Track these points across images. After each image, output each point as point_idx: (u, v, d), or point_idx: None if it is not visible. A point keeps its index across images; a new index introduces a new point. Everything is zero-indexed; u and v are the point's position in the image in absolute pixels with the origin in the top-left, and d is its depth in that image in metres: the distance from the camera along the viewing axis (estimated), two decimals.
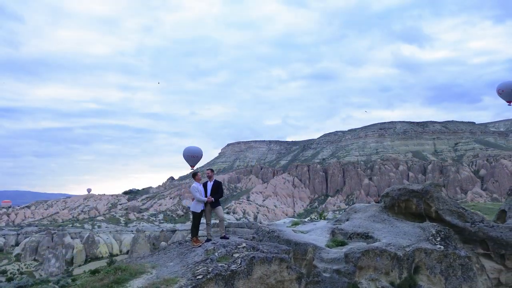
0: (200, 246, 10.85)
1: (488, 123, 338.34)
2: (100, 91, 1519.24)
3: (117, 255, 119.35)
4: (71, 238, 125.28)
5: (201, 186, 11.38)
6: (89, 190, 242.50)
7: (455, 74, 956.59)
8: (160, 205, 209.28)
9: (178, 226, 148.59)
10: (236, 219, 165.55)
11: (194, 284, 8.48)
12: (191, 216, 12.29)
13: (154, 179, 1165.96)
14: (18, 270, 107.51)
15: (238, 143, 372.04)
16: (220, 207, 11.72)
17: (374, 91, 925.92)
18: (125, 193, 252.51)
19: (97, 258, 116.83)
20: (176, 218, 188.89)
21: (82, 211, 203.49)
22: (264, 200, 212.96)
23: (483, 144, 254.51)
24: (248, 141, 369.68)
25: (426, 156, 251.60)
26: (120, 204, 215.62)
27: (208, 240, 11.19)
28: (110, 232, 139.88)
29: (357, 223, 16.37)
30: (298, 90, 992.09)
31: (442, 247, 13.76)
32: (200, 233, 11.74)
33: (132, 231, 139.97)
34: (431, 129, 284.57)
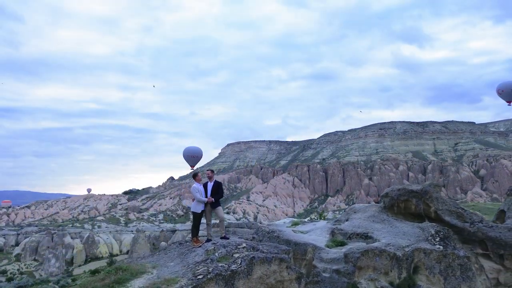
0: (200, 246, 10.91)
1: (488, 123, 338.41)
2: (100, 91, 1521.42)
3: (117, 255, 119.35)
4: (71, 238, 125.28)
5: (202, 186, 11.43)
6: (89, 190, 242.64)
7: (455, 74, 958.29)
8: (160, 205, 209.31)
9: (178, 226, 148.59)
10: (236, 219, 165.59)
11: (194, 284, 8.55)
12: (191, 216, 12.35)
13: (154, 179, 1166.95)
14: (18, 270, 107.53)
15: (238, 143, 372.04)
16: (220, 208, 11.78)
17: (374, 91, 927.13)
18: (125, 193, 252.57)
19: (97, 258, 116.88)
20: (176, 218, 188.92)
21: (82, 211, 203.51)
22: (264, 200, 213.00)
23: (483, 144, 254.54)
24: (248, 141, 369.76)
25: (426, 156, 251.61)
26: (120, 204, 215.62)
27: (208, 240, 11.25)
28: (110, 232, 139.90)
29: (357, 223, 16.42)
30: (298, 90, 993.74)
31: (441, 247, 13.82)
32: (200, 233, 11.80)
33: (132, 231, 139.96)
34: (431, 129, 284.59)
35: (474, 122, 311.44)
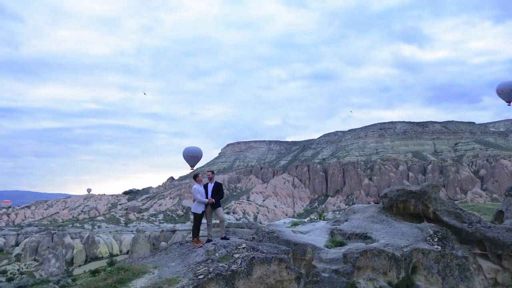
0: (201, 246, 11.02)
1: (488, 123, 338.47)
2: (100, 91, 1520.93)
3: (117, 255, 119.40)
4: (71, 238, 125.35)
5: (202, 187, 11.54)
6: (89, 190, 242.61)
7: (455, 74, 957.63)
8: (160, 205, 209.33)
9: (178, 226, 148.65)
10: (236, 219, 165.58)
11: (195, 284, 8.66)
12: (191, 217, 12.45)
13: (154, 179, 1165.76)
14: (18, 270, 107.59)
15: (238, 143, 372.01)
16: (220, 208, 11.90)
17: (374, 91, 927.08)
18: (125, 193, 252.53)
19: (97, 258, 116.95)
20: (176, 218, 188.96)
21: (82, 211, 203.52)
22: (264, 200, 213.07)
23: (483, 144, 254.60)
24: (248, 141, 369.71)
25: (426, 156, 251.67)
26: (120, 204, 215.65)
27: (209, 241, 11.36)
28: (110, 232, 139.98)
29: (356, 224, 16.55)
30: (298, 90, 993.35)
31: (439, 247, 13.94)
32: (200, 233, 11.91)
33: (132, 231, 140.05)
34: (431, 129, 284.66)
35: (474, 122, 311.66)
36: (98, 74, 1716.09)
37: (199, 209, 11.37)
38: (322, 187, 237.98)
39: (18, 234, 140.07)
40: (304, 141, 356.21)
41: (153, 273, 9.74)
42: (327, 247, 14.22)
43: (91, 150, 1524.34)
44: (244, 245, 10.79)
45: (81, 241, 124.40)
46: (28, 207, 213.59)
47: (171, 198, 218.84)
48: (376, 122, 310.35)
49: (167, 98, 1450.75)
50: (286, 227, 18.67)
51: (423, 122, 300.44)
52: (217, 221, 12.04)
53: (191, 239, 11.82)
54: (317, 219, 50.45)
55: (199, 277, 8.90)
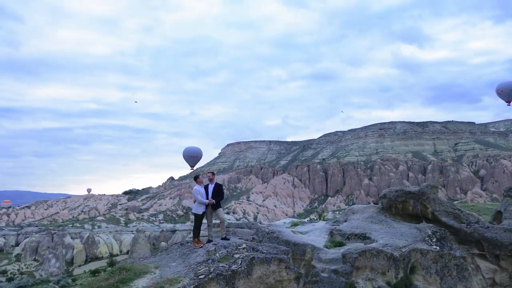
0: (201, 247, 11.13)
1: (488, 123, 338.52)
2: (100, 91, 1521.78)
3: (117, 255, 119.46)
4: (71, 238, 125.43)
5: (203, 188, 11.65)
6: (89, 190, 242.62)
7: (455, 74, 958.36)
8: (160, 205, 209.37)
9: (178, 226, 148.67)
10: (236, 219, 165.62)
11: (196, 284, 8.77)
12: (191, 217, 12.55)
13: (154, 179, 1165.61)
14: (18, 270, 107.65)
15: (238, 143, 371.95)
16: (221, 209, 12.01)
17: (374, 91, 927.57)
18: (125, 193, 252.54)
19: (97, 258, 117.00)
20: (176, 218, 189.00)
21: (82, 211, 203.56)
22: (264, 200, 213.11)
23: (483, 144, 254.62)
24: (248, 141, 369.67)
25: (426, 156, 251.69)
26: (120, 204, 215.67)
27: (209, 241, 11.47)
28: (110, 232, 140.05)
29: (355, 224, 16.66)
30: (298, 90, 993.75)
31: (437, 247, 14.04)
32: (201, 234, 12.03)
33: (132, 231, 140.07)
34: (431, 129, 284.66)
35: (474, 122, 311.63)
36: (98, 74, 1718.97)
37: (200, 210, 11.48)
38: (322, 187, 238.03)
39: (18, 234, 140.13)
40: (304, 141, 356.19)
41: (155, 273, 9.85)
42: (327, 247, 14.33)
43: (91, 150, 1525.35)
44: (244, 246, 10.90)
45: (81, 241, 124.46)
46: (28, 207, 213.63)
47: (171, 198, 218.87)
48: (376, 122, 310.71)
49: (167, 98, 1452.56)
50: (286, 227, 18.78)
51: (423, 122, 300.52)
52: (218, 222, 12.15)
53: (192, 240, 11.92)
54: (317, 219, 50.49)
55: (200, 277, 9.01)
